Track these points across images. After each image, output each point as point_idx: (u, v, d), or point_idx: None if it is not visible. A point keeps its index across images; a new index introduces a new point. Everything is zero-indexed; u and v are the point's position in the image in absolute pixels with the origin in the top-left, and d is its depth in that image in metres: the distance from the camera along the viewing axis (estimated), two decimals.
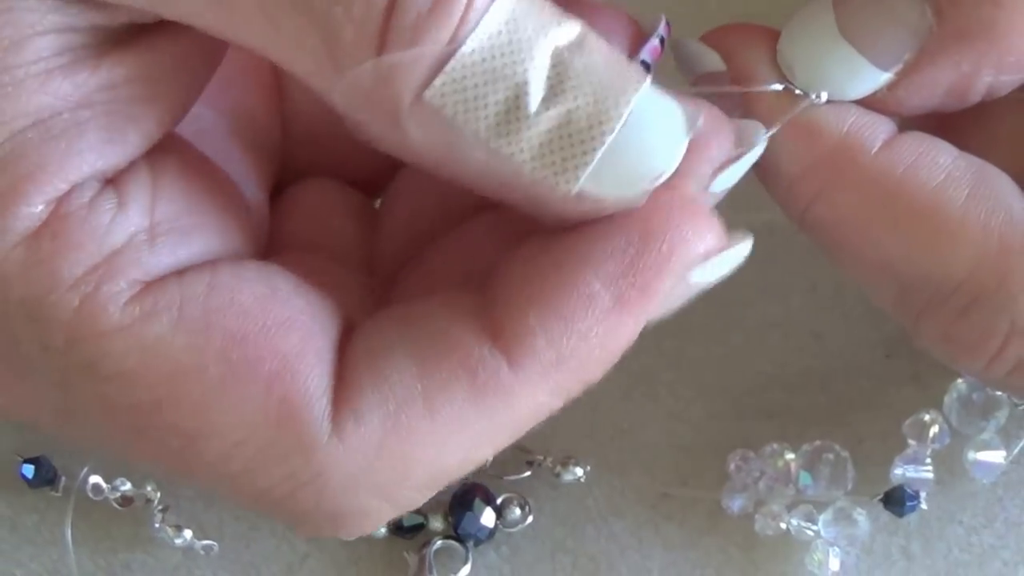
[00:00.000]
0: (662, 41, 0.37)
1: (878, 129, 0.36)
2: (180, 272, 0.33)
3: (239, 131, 0.39)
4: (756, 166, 0.37)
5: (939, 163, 0.36)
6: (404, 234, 0.39)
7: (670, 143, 0.32)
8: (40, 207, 0.31)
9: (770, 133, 0.36)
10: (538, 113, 0.31)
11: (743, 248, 0.34)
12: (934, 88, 0.36)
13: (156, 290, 0.32)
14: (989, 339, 0.36)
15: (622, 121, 0.32)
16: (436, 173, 0.33)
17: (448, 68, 0.31)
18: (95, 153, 0.32)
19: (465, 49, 0.31)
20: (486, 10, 0.31)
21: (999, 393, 0.44)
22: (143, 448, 0.33)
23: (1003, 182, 0.36)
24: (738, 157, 0.35)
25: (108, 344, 0.32)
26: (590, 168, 0.32)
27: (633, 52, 0.36)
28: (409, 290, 0.37)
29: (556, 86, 0.31)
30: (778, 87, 0.36)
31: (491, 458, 0.40)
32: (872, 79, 0.36)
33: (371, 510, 0.33)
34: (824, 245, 0.38)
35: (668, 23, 0.37)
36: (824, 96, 0.36)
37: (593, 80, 0.32)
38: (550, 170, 0.32)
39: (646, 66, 0.36)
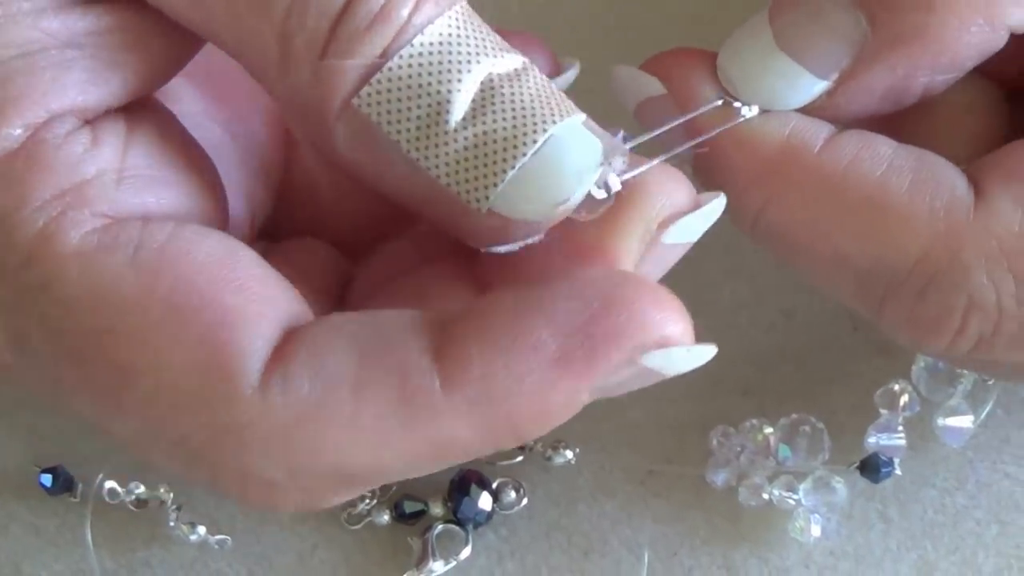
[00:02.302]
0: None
1: (818, 131, 0.37)
2: (146, 218, 0.33)
3: (243, 158, 0.40)
4: (705, 181, 0.37)
5: (880, 154, 0.36)
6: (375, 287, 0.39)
7: (579, 173, 0.33)
8: (19, 130, 0.32)
9: (705, 138, 0.37)
10: (457, 130, 0.33)
11: (703, 352, 0.33)
12: (871, 93, 0.37)
13: (118, 227, 0.33)
14: (949, 316, 0.36)
15: (536, 146, 0.32)
16: (365, 182, 0.35)
17: (375, 79, 0.32)
18: (77, 89, 0.33)
19: (394, 63, 0.32)
20: (420, 31, 0.33)
21: None
22: (78, 380, 0.33)
23: (943, 165, 0.36)
24: (694, 210, 0.35)
25: (62, 268, 0.32)
26: (500, 188, 0.33)
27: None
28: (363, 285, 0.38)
29: (479, 108, 0.33)
30: (718, 103, 0.37)
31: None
32: (810, 87, 0.36)
33: (277, 482, 0.33)
34: (778, 250, 0.38)
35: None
36: (756, 109, 0.37)
37: (517, 106, 0.33)
38: (463, 186, 0.33)
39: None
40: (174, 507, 0.44)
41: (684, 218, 0.34)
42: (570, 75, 0.38)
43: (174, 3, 0.33)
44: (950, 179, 0.36)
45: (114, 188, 0.33)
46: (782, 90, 0.37)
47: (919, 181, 0.36)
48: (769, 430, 0.45)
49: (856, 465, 0.44)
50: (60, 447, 0.45)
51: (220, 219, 0.36)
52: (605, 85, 0.39)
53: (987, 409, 0.45)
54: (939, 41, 0.36)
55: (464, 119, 0.33)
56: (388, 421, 0.32)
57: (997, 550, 0.44)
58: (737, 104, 0.37)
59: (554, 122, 0.33)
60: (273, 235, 0.41)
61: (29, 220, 0.32)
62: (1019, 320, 0.36)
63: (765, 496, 0.44)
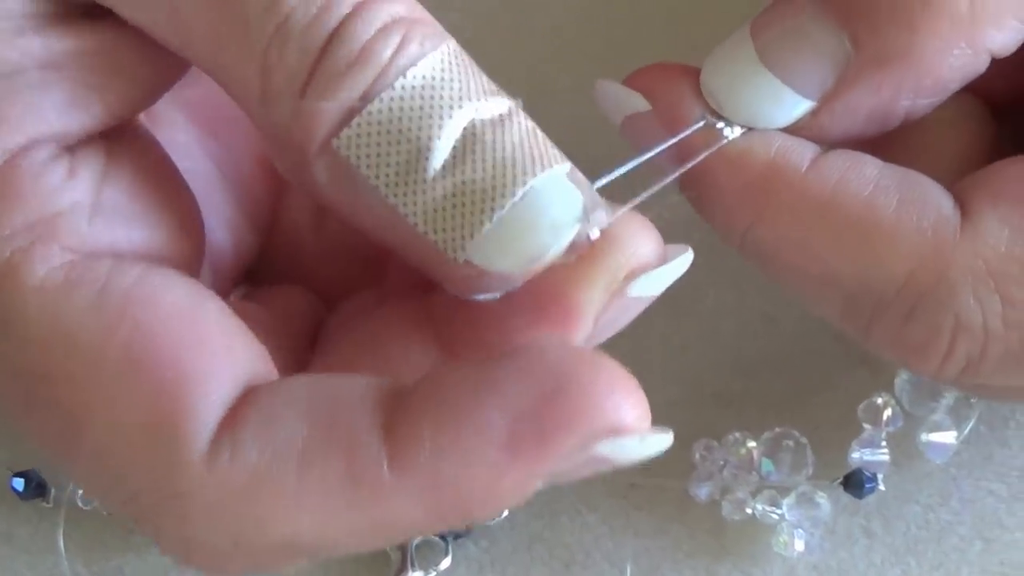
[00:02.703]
0: None
1: (804, 151, 0.36)
2: (116, 258, 0.32)
3: (231, 194, 0.39)
4: (694, 200, 0.37)
5: (866, 174, 0.36)
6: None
7: (557, 228, 0.32)
8: None
9: (693, 164, 0.36)
10: (436, 178, 0.32)
11: (657, 441, 0.32)
12: (855, 114, 0.37)
13: (85, 264, 0.32)
14: (937, 338, 0.36)
15: (515, 198, 0.32)
16: (345, 219, 0.34)
17: (355, 122, 0.32)
18: (56, 114, 0.32)
19: (373, 107, 0.32)
20: (403, 72, 0.32)
21: None
22: (31, 422, 0.33)
23: (929, 185, 0.36)
24: (661, 263, 0.34)
25: (22, 302, 0.31)
26: (476, 239, 0.32)
27: None
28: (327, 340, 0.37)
29: (460, 156, 0.32)
30: (701, 124, 0.37)
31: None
32: (795, 107, 0.36)
33: (225, 552, 0.32)
34: (766, 268, 0.38)
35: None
36: (737, 129, 0.37)
37: (499, 155, 0.32)
38: (440, 235, 0.32)
39: None
40: None
41: (650, 271, 0.34)
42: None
43: (155, 26, 0.33)
44: (936, 199, 0.36)
45: (86, 223, 0.32)
46: (766, 108, 0.37)
47: (906, 201, 0.36)
48: (752, 444, 0.44)
49: (840, 480, 0.44)
50: (33, 451, 0.44)
51: (195, 258, 0.35)
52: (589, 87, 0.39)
53: (970, 425, 0.45)
54: (922, 63, 0.36)
55: (444, 167, 0.32)
56: (333, 499, 0.31)
57: (981, 567, 0.44)
58: (721, 124, 0.37)
59: (535, 174, 0.32)
60: (257, 279, 0.40)
61: None
62: (1006, 343, 0.36)
63: (748, 510, 0.44)
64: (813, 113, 0.37)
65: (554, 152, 0.33)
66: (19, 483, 0.44)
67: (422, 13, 0.33)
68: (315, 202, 0.35)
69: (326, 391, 0.32)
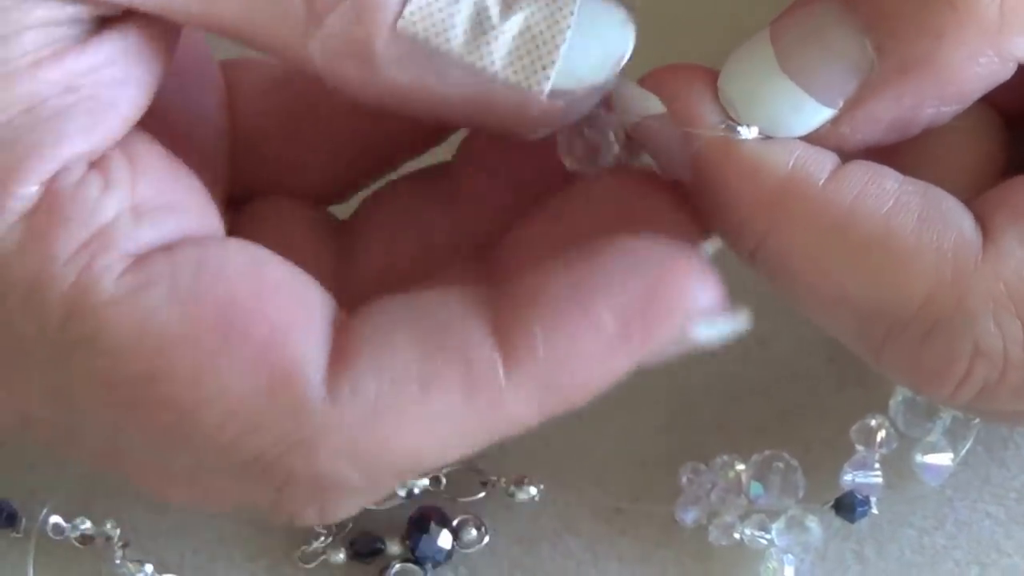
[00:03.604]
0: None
1: (823, 162, 0.36)
2: (168, 247, 0.33)
3: (185, 142, 0.39)
4: (705, 207, 0.37)
5: (886, 189, 0.35)
6: (380, 269, 0.39)
7: (619, 28, 0.35)
8: (35, 187, 0.33)
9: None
10: (501, 23, 0.34)
11: (741, 319, 0.35)
12: (877, 122, 0.36)
13: (147, 263, 0.33)
14: (954, 363, 0.35)
15: (574, 17, 0.34)
16: (412, 110, 0.35)
17: None
18: (81, 135, 0.33)
19: None
20: None
21: None
22: (136, 424, 0.33)
23: (950, 202, 0.36)
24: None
25: (104, 317, 0.32)
26: (558, 65, 0.34)
27: None
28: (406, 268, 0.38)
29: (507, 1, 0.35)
30: (720, 128, 0.36)
31: (444, 480, 0.41)
32: (815, 115, 0.36)
33: (351, 483, 0.34)
34: (778, 282, 0.37)
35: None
36: (755, 131, 0.36)
37: None
38: (523, 74, 0.34)
39: None
40: (120, 544, 0.44)
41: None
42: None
43: (184, 6, 0.34)
44: (957, 218, 0.35)
45: (133, 226, 0.33)
46: (785, 116, 0.36)
47: (926, 220, 0.35)
48: (741, 467, 0.44)
49: (831, 504, 0.44)
50: (3, 480, 0.45)
51: (220, 221, 0.36)
52: None
53: (967, 446, 0.44)
54: (947, 71, 0.35)
55: (501, 10, 0.34)
56: (456, 412, 0.33)
57: None
58: (739, 130, 0.36)
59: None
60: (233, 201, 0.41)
61: (61, 276, 0.32)
62: None
63: (736, 535, 0.44)
64: (834, 121, 0.36)
65: None
66: None
67: None
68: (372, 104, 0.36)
69: (426, 307, 0.34)
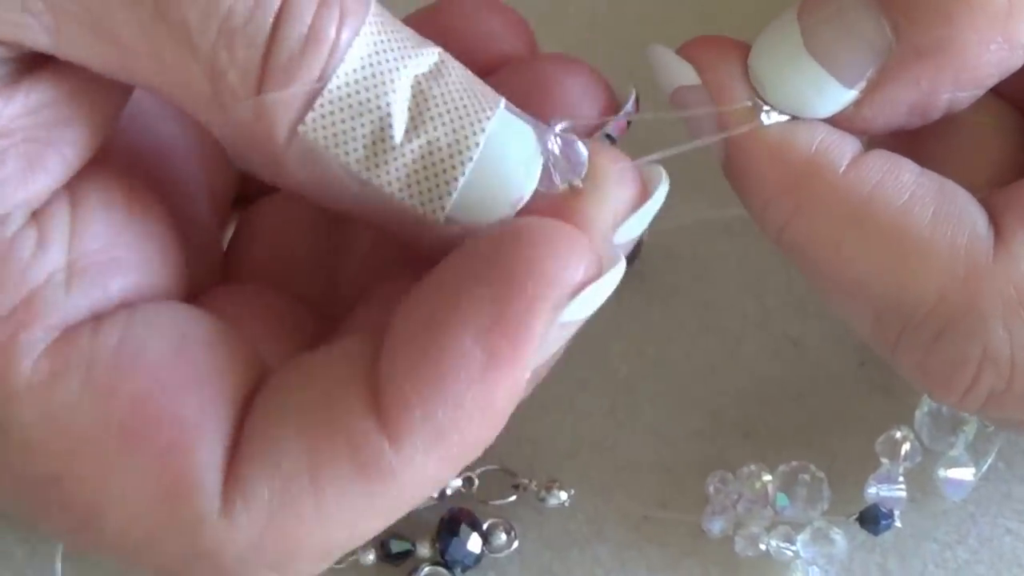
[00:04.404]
0: (628, 123, 0.37)
1: (845, 147, 0.36)
2: (96, 320, 0.33)
3: (201, 146, 0.39)
4: (735, 187, 0.37)
5: (903, 181, 0.36)
6: (366, 261, 0.39)
7: (525, 166, 0.33)
8: None
9: (694, 145, 0.37)
10: (403, 144, 0.33)
11: (614, 275, 0.34)
12: (897, 106, 0.36)
13: (68, 343, 0.32)
14: (962, 368, 0.36)
15: (480, 148, 0.33)
16: (318, 202, 0.34)
17: (318, 104, 0.32)
18: (15, 183, 0.32)
19: (331, 85, 0.32)
20: (349, 46, 0.32)
21: None
22: (48, 520, 0.33)
23: (965, 199, 0.36)
24: (640, 207, 0.35)
25: (17, 409, 0.32)
26: (455, 196, 0.33)
27: (606, 112, 0.37)
28: (353, 323, 0.37)
29: (417, 116, 0.33)
30: (747, 104, 0.37)
31: (476, 481, 0.41)
32: (838, 96, 0.36)
33: None
34: (802, 266, 0.38)
35: (638, 99, 0.38)
36: (781, 116, 0.36)
37: (451, 108, 0.33)
38: (418, 199, 0.33)
39: (611, 139, 0.37)
40: None
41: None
42: (631, 107, 0.38)
43: (98, 59, 0.32)
44: (971, 215, 0.36)
45: (64, 293, 0.32)
46: (810, 97, 0.36)
47: (941, 214, 0.36)
48: (768, 478, 0.44)
49: (856, 516, 0.44)
50: None
51: (168, 269, 0.35)
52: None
53: (988, 462, 0.45)
54: (960, 57, 0.36)
55: (407, 132, 0.33)
56: (352, 498, 0.32)
57: None
58: (766, 108, 0.37)
59: (488, 118, 0.33)
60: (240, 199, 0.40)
61: None
62: None
63: (762, 547, 0.44)
64: (856, 104, 0.36)
65: (488, 90, 0.34)
66: None
67: None
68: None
69: (314, 386, 0.33)
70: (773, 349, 0.46)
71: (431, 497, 0.43)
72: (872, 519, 0.43)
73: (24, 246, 0.32)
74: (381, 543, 0.43)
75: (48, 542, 0.43)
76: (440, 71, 0.33)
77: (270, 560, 0.32)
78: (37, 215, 0.33)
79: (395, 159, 0.33)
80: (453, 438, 0.32)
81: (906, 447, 0.44)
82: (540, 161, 0.33)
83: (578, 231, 0.33)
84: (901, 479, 0.44)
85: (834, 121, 0.37)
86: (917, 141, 0.38)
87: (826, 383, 0.45)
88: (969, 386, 0.36)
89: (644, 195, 0.35)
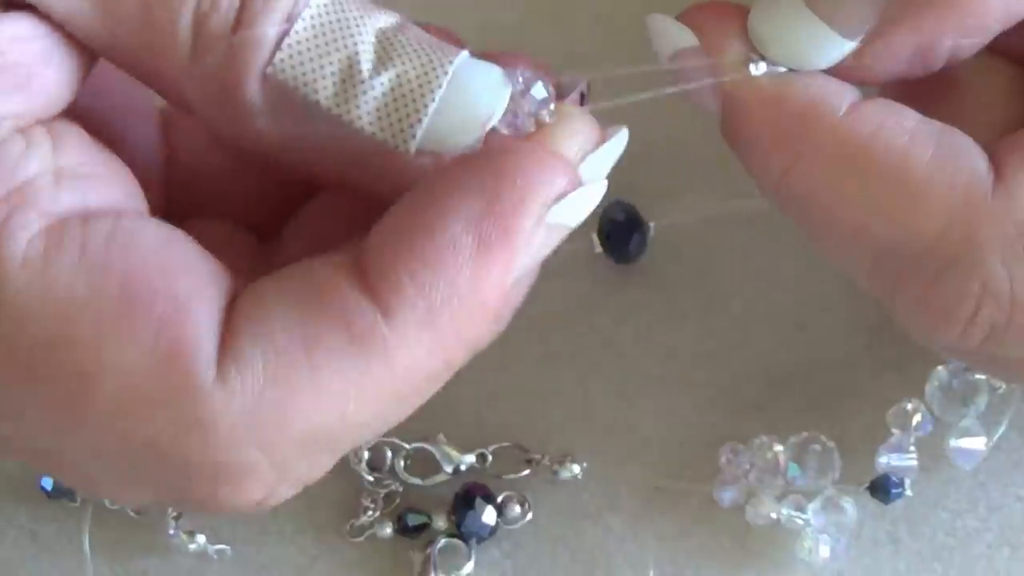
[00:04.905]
0: (583, 96, 0.38)
1: (844, 94, 0.37)
2: (85, 215, 0.33)
3: (131, 143, 0.39)
4: (729, 137, 0.38)
5: (904, 125, 0.36)
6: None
7: (492, 92, 0.35)
8: None
9: (675, 90, 0.37)
10: (371, 78, 0.34)
11: (599, 188, 0.35)
12: (898, 54, 0.37)
13: (60, 228, 0.33)
14: (962, 302, 0.36)
15: (448, 78, 0.34)
16: (287, 157, 0.36)
17: (285, 43, 0.34)
18: (5, 95, 0.33)
19: (299, 26, 0.34)
20: None
21: (978, 376, 0.44)
22: (35, 395, 0.33)
23: (966, 142, 0.36)
24: (600, 146, 0.36)
25: (13, 279, 0.32)
26: (425, 124, 0.34)
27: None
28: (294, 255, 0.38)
29: (384, 56, 0.34)
30: (743, 60, 0.37)
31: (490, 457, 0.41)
32: (838, 48, 0.36)
33: (254, 465, 0.33)
34: (799, 217, 0.38)
35: (589, 88, 0.38)
36: (771, 68, 0.37)
37: (416, 48, 0.35)
38: (388, 132, 0.34)
39: None
40: (174, 515, 0.44)
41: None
42: (575, 96, 0.38)
43: (79, 16, 0.34)
44: (971, 157, 0.36)
45: (54, 189, 0.33)
46: (810, 51, 0.36)
47: (941, 155, 0.36)
48: (779, 448, 0.44)
49: (866, 485, 0.44)
50: None
51: (142, 198, 0.36)
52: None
53: (1000, 431, 0.45)
54: (963, 1, 0.36)
55: (375, 67, 0.34)
56: (346, 371, 0.32)
57: (1008, 574, 0.44)
58: (763, 63, 0.37)
59: (454, 54, 0.35)
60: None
61: None
62: None
63: (773, 515, 0.44)
64: (856, 54, 0.37)
65: (450, 47, 0.35)
66: (47, 482, 0.44)
67: None
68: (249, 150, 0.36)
69: (300, 276, 0.34)
70: (781, 335, 0.46)
71: (445, 472, 0.44)
72: (883, 488, 0.44)
73: (13, 147, 0.33)
74: (398, 516, 0.44)
75: (76, 521, 0.44)
76: (402, 26, 0.35)
77: (260, 433, 0.32)
78: (22, 130, 0.34)
79: (364, 93, 0.34)
80: (445, 320, 0.33)
81: (917, 418, 0.44)
82: (507, 90, 0.35)
83: (555, 153, 0.34)
84: (912, 449, 0.44)
85: (834, 71, 0.37)
86: (920, 103, 0.38)
87: (835, 362, 0.46)
88: (970, 318, 0.36)
89: (604, 139, 0.36)
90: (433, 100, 0.34)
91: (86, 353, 0.32)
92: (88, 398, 0.32)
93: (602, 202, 0.35)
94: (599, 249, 0.46)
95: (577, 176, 0.34)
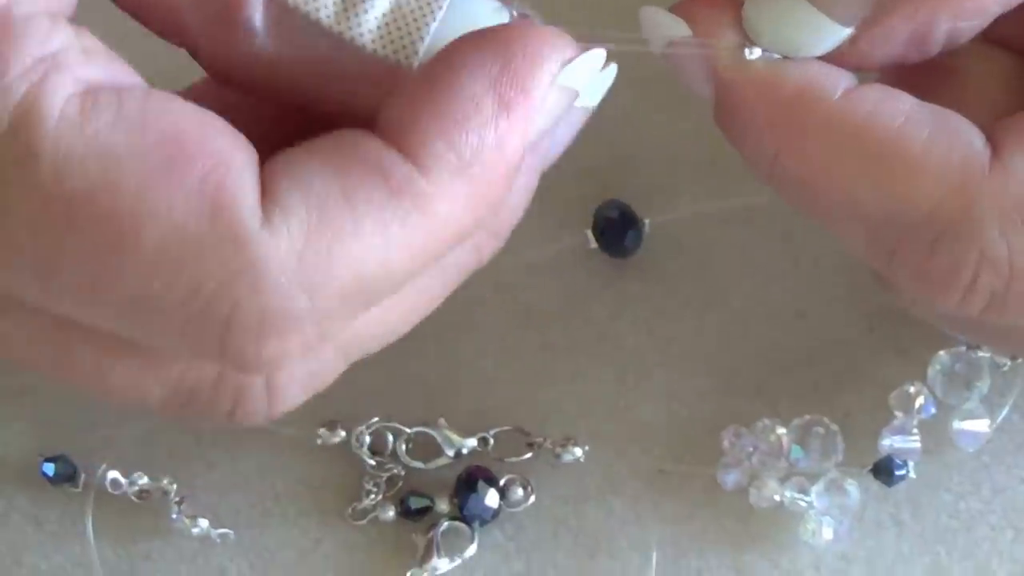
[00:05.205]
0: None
1: (839, 79, 0.37)
2: (116, 86, 0.33)
3: None
4: (723, 122, 0.38)
5: (899, 107, 0.36)
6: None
7: (493, 13, 0.36)
8: None
9: (662, 48, 0.38)
10: None
11: (601, 54, 0.36)
12: (894, 39, 0.37)
13: (96, 91, 0.33)
14: (960, 270, 0.36)
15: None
16: (283, 84, 0.36)
17: None
18: None
19: None
20: None
21: (981, 354, 0.44)
22: (74, 244, 0.33)
23: (963, 122, 0.36)
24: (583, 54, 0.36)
25: (51, 131, 0.32)
26: (427, 41, 0.35)
27: None
28: None
29: None
30: (736, 47, 0.37)
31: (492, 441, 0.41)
32: (834, 35, 0.36)
33: (299, 314, 0.33)
34: (793, 196, 0.38)
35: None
36: (765, 54, 0.37)
37: None
38: (391, 48, 0.35)
39: None
40: (177, 499, 0.44)
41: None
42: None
43: None
44: (968, 135, 0.36)
45: (84, 58, 0.33)
46: (805, 39, 0.37)
47: (937, 133, 0.36)
48: (782, 431, 0.44)
49: (869, 468, 0.44)
50: (63, 436, 0.45)
51: None
52: None
53: (1003, 413, 0.45)
54: None
55: None
56: (386, 220, 0.33)
57: (1011, 556, 0.44)
58: (757, 51, 0.37)
59: None
60: None
61: (13, 87, 0.32)
62: None
63: (776, 498, 0.44)
64: (852, 39, 0.37)
65: None
66: (49, 468, 0.44)
67: None
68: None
69: (331, 143, 0.34)
70: (781, 323, 0.46)
71: (447, 455, 0.45)
72: (886, 470, 0.44)
73: (41, 21, 0.33)
74: (401, 500, 0.44)
75: (79, 506, 0.45)
76: None
77: (308, 281, 0.33)
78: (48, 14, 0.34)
79: (367, 10, 0.35)
80: (475, 171, 0.34)
81: (920, 400, 0.44)
82: (505, 13, 0.36)
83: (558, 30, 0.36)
84: (915, 431, 0.44)
85: (830, 57, 0.37)
86: (917, 90, 0.38)
87: (836, 347, 0.46)
88: (969, 286, 0.36)
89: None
90: (435, 19, 0.35)
91: (130, 201, 0.32)
92: (131, 244, 0.32)
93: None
94: (594, 245, 0.46)
95: (576, 46, 0.35)
